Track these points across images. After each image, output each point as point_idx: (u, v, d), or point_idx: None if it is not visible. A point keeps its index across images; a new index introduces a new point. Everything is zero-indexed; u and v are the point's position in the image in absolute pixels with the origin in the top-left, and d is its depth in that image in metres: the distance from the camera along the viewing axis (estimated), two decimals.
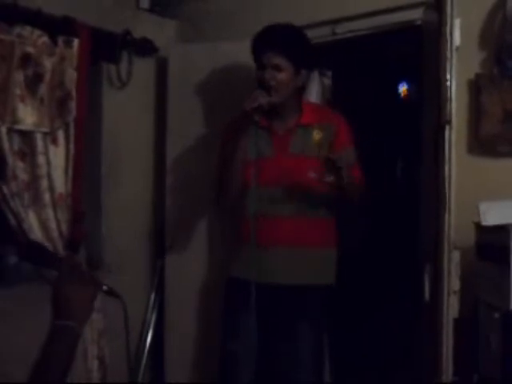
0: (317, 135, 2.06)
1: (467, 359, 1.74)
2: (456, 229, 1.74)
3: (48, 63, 2.25)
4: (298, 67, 2.04)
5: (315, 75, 2.74)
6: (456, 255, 1.70)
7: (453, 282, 1.70)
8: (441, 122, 1.81)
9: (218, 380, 2.18)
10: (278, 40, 2.02)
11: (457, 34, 1.81)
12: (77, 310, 1.06)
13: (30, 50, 2.19)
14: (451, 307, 1.70)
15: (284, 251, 2.04)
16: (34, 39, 2.20)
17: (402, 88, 4.15)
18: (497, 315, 1.67)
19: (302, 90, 2.20)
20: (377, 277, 3.40)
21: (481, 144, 2.07)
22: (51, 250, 2.27)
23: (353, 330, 3.10)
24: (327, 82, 2.76)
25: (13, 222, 2.21)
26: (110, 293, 1.21)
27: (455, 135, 1.88)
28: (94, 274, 1.19)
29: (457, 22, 1.80)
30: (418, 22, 2.19)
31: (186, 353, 2.67)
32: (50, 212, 2.30)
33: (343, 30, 2.40)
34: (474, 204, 1.77)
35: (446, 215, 1.75)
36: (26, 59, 2.17)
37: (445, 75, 1.77)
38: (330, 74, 2.77)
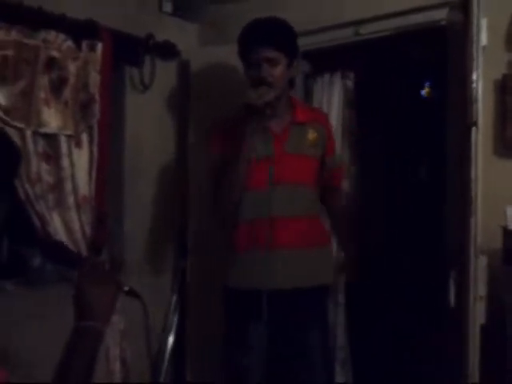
0: (311, 135, 2.00)
1: (494, 365, 1.70)
2: (482, 233, 1.71)
3: (72, 67, 2.28)
4: (290, 59, 1.98)
5: (337, 77, 2.72)
6: (482, 260, 1.67)
7: (479, 287, 1.67)
8: (467, 123, 1.78)
9: None
10: (270, 33, 1.95)
11: (483, 34, 1.78)
12: (99, 310, 1.05)
13: (55, 54, 2.21)
14: (478, 313, 1.67)
15: (289, 254, 1.96)
16: (58, 43, 2.22)
17: (426, 89, 4.10)
18: None
19: (292, 83, 2.16)
20: (400, 282, 3.35)
21: (507, 146, 2.02)
22: (74, 251, 2.30)
23: (375, 336, 3.06)
24: (349, 83, 2.74)
25: (37, 224, 2.23)
26: (131, 293, 1.21)
27: (481, 137, 1.85)
28: (115, 275, 1.18)
29: (483, 22, 1.78)
30: (443, 23, 2.16)
31: (207, 355, 2.66)
32: (73, 214, 2.32)
33: (367, 30, 2.38)
34: (501, 207, 1.74)
35: (473, 219, 1.72)
36: (50, 63, 2.20)
37: (471, 76, 1.75)
38: (352, 75, 2.74)
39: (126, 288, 1.19)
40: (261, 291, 1.90)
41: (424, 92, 4.04)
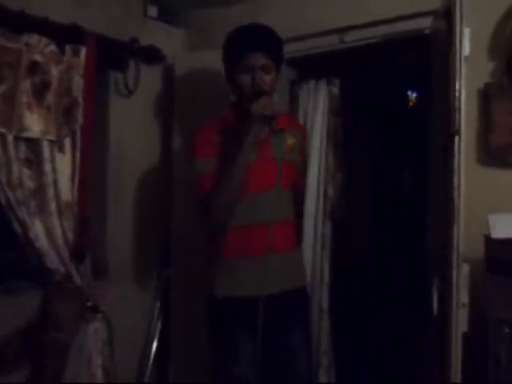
0: (290, 140, 2.00)
1: (476, 374, 1.71)
2: (465, 241, 1.72)
3: (55, 71, 2.25)
4: (278, 68, 1.96)
5: (323, 84, 2.73)
6: (465, 268, 1.68)
7: (462, 295, 1.68)
8: (450, 131, 1.79)
9: None
10: (264, 40, 1.92)
11: (466, 43, 1.80)
12: (64, 323, 1.07)
13: (38, 58, 2.19)
14: (460, 321, 1.67)
15: (282, 257, 1.95)
16: (41, 47, 2.20)
17: (411, 96, 4.13)
18: (506, 330, 1.64)
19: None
20: (383, 289, 3.36)
21: (491, 154, 2.04)
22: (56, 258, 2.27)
23: (357, 342, 3.07)
24: (335, 90, 2.74)
25: (18, 229, 2.20)
26: (94, 309, 1.21)
27: (465, 145, 1.86)
28: (81, 290, 1.18)
29: (466, 32, 1.79)
30: (427, 31, 2.17)
31: (190, 360, 2.65)
32: (55, 220, 2.29)
33: (351, 38, 2.39)
34: (484, 216, 1.75)
35: (455, 227, 1.73)
36: (33, 67, 2.18)
37: (454, 85, 1.76)
38: (337, 82, 2.74)
39: (90, 303, 1.19)
40: (257, 297, 1.87)
41: (409, 100, 4.06)
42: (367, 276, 3.31)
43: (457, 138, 1.75)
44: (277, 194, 1.92)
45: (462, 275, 1.67)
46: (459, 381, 1.64)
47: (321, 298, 2.71)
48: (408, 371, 2.67)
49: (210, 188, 1.88)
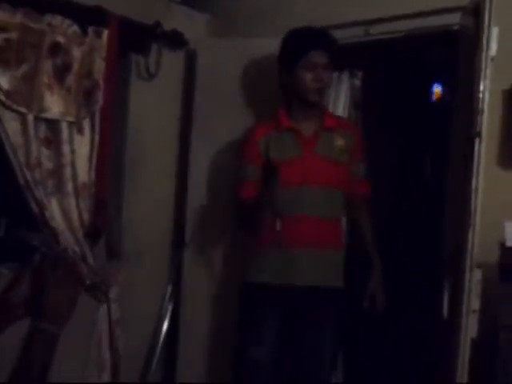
0: (339, 141, 2.09)
1: (484, 381, 1.69)
2: (479, 246, 1.69)
3: (77, 53, 2.25)
4: (334, 68, 2.13)
5: (345, 76, 2.69)
6: (477, 274, 1.65)
7: (472, 300, 1.65)
8: (471, 134, 1.75)
9: None
10: (326, 40, 2.06)
11: (493, 43, 1.74)
12: (57, 313, 1.02)
13: (60, 39, 2.19)
14: (470, 327, 1.65)
15: (308, 252, 2.04)
16: (64, 28, 2.20)
17: (435, 90, 4.04)
18: None
19: None
20: (398, 285, 3.32)
21: None
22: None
23: (367, 344, 3.05)
24: (357, 82, 2.70)
25: (35, 209, 2.23)
26: (94, 288, 1.19)
27: (486, 148, 1.82)
28: (75, 271, 1.14)
29: (494, 31, 1.74)
30: (455, 27, 2.11)
31: (199, 347, 2.67)
32: (72, 201, 2.31)
33: (377, 31, 2.34)
34: (500, 221, 1.71)
35: (470, 231, 1.70)
36: (55, 48, 2.18)
37: (478, 86, 1.71)
38: (360, 74, 2.70)
39: (88, 282, 1.16)
40: (274, 285, 2.02)
41: (433, 95, 3.98)
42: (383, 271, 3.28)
43: (477, 140, 1.71)
44: (317, 190, 2.04)
45: (473, 280, 1.64)
46: None
47: None
48: (421, 370, 2.65)
49: (249, 195, 2.05)
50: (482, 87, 1.69)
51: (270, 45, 2.48)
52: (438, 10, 2.15)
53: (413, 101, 3.74)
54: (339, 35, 2.30)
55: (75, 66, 2.26)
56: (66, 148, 2.27)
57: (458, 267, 1.70)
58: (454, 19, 2.11)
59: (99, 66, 2.33)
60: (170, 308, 2.87)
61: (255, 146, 2.12)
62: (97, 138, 2.35)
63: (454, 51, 2.16)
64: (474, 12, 1.80)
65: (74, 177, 2.31)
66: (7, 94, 2.07)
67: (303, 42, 2.07)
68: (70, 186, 2.30)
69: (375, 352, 2.80)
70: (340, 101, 2.68)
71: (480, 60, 1.69)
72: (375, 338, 2.72)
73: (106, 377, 2.50)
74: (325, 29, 2.10)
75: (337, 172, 2.09)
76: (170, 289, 2.86)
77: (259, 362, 2.06)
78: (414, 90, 3.70)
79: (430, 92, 3.98)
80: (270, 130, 2.13)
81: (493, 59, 1.74)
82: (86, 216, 2.35)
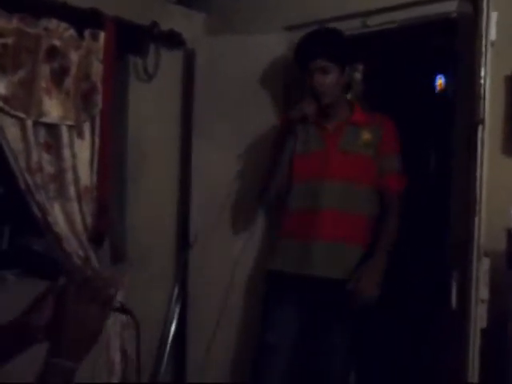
0: (365, 135, 2.13)
1: (494, 371, 1.66)
2: (487, 234, 1.66)
3: (74, 56, 2.25)
4: (342, 67, 2.14)
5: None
6: (485, 262, 1.63)
7: (481, 290, 1.63)
8: (474, 121, 1.73)
9: (251, 370, 2.25)
10: (322, 46, 2.11)
11: (493, 27, 1.72)
12: (78, 347, 0.91)
13: (57, 43, 2.18)
14: (479, 317, 1.63)
15: (326, 245, 2.09)
16: (60, 32, 2.19)
17: (438, 81, 4.00)
18: None
19: (347, 86, 2.34)
20: (403, 276, 3.29)
21: None
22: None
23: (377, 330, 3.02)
24: (358, 76, 2.68)
25: (38, 214, 2.22)
26: (122, 310, 1.12)
27: (491, 135, 1.79)
28: (105, 291, 0.98)
29: (493, 16, 1.71)
30: (454, 15, 2.09)
31: (208, 348, 2.65)
32: (74, 205, 2.31)
33: (374, 22, 2.31)
34: (507, 208, 1.68)
35: (476, 219, 1.68)
36: (52, 52, 2.17)
37: (479, 72, 1.69)
38: (361, 67, 2.68)
39: (117, 304, 1.09)
40: (292, 274, 2.11)
41: (437, 85, 3.94)
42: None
43: (480, 127, 1.68)
44: (339, 184, 2.09)
45: (481, 270, 1.62)
46: (477, 377, 1.60)
47: None
48: (427, 362, 2.63)
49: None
50: (482, 73, 1.67)
51: (268, 41, 2.47)
52: None
53: (415, 92, 3.70)
54: (337, 28, 2.28)
55: (73, 70, 2.25)
56: (66, 152, 2.26)
57: (466, 256, 1.67)
58: (451, 7, 2.08)
59: (97, 68, 2.32)
60: (177, 310, 2.86)
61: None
62: (97, 141, 2.35)
63: (453, 39, 2.13)
64: None
65: (76, 181, 2.30)
66: (5, 99, 2.07)
67: (300, 50, 2.15)
68: (72, 190, 2.29)
69: (375, 344, 2.77)
70: None
71: (480, 45, 1.66)
72: (375, 331, 2.70)
73: (116, 380, 2.49)
74: (328, 31, 2.17)
75: (360, 166, 2.12)
76: (176, 290, 2.85)
77: (274, 347, 2.14)
78: (416, 81, 3.67)
79: (432, 83, 3.94)
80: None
81: (493, 44, 1.71)
82: (88, 220, 2.35)
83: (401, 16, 2.22)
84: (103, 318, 0.95)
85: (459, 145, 2.01)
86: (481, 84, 1.69)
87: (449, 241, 2.01)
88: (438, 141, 3.74)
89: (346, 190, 2.11)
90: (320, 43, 2.12)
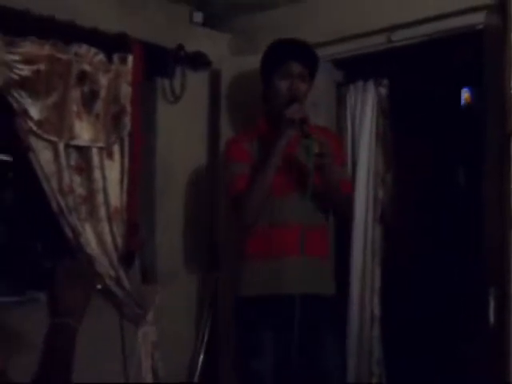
0: (317, 148, 2.00)
1: None
2: None
3: (104, 80, 2.30)
4: (311, 79, 2.10)
5: (370, 85, 2.66)
6: None
7: None
8: (505, 132, 1.71)
9: None
10: (303, 51, 2.08)
11: None
12: (72, 308, 1.13)
13: (87, 67, 2.24)
14: None
15: (292, 261, 2.02)
16: (90, 57, 2.25)
17: (465, 95, 3.96)
18: None
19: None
20: (436, 296, 3.24)
21: None
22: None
23: (410, 350, 2.97)
24: (383, 91, 2.67)
25: (70, 235, 2.26)
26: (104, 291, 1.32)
27: None
28: (89, 273, 1.31)
29: None
30: (480, 27, 2.07)
31: None
32: (105, 225, 2.34)
33: (399, 37, 2.31)
34: None
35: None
36: (82, 77, 2.23)
37: (509, 83, 1.67)
38: (386, 82, 2.67)
39: (99, 286, 1.28)
40: (292, 296, 1.97)
41: (463, 99, 3.90)
42: (420, 283, 3.20)
43: None
44: (299, 198, 2.00)
45: None
46: None
47: (372, 305, 2.63)
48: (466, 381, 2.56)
49: (242, 188, 2.00)
50: None
51: None
52: (460, 11, 2.11)
53: (442, 107, 3.68)
54: (361, 44, 2.30)
55: (102, 93, 2.30)
56: (97, 174, 2.30)
57: (502, 272, 1.64)
58: (478, 19, 2.07)
59: (125, 91, 2.37)
60: (207, 328, 2.85)
61: (242, 148, 2.09)
62: (127, 162, 2.38)
63: (480, 52, 2.12)
64: (500, 9, 1.76)
65: (107, 202, 2.34)
66: (39, 123, 2.13)
67: (281, 51, 2.09)
68: (102, 211, 2.33)
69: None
70: (367, 110, 2.66)
71: (510, 57, 1.65)
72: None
73: None
74: (303, 41, 2.10)
75: (317, 178, 2.01)
76: (206, 308, 2.84)
77: (261, 373, 2.04)
78: (442, 95, 3.64)
79: (457, 97, 3.91)
80: (253, 137, 2.12)
81: None
82: (119, 240, 2.38)
83: (425, 30, 2.21)
84: (89, 285, 1.23)
85: (491, 157, 1.98)
86: (511, 95, 1.67)
87: (484, 256, 1.97)
88: (465, 154, 3.69)
89: (308, 203, 2.01)
90: (299, 47, 2.08)
